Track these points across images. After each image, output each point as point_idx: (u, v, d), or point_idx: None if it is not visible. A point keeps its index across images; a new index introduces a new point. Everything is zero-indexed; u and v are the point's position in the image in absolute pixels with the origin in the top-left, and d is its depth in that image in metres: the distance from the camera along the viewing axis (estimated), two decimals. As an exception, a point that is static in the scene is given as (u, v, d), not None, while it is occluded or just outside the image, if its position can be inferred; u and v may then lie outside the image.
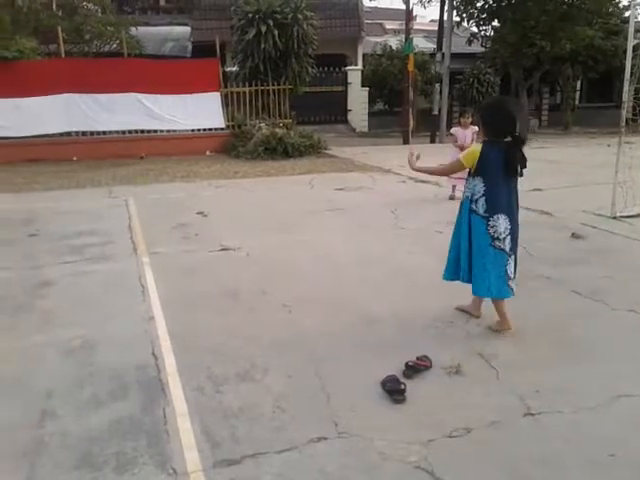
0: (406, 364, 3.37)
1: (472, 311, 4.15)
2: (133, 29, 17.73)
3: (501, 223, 3.74)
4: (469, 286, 3.94)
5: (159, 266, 5.44)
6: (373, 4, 49.31)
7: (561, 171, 11.21)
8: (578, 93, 24.09)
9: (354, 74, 20.99)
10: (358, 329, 4.01)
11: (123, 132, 14.12)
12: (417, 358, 3.44)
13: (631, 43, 6.79)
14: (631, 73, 6.82)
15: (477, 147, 3.82)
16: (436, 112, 18.97)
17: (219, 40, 14.49)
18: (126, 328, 4.06)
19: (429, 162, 4.51)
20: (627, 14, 16.89)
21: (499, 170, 3.71)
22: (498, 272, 3.78)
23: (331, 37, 19.12)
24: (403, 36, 18.81)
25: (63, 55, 14.22)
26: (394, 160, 12.46)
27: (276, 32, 14.22)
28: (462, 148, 7.34)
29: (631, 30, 6.75)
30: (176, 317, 4.22)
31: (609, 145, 12.84)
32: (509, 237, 3.78)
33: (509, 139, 3.69)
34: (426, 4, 32.74)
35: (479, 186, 3.78)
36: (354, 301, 4.51)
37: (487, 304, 4.05)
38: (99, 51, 17.60)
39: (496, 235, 3.75)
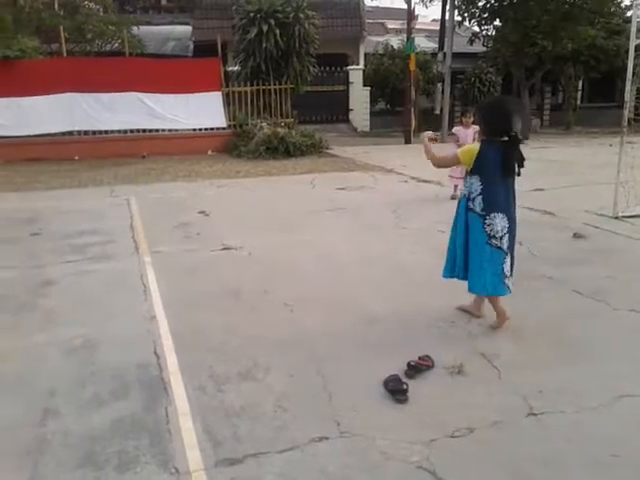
0: (408, 364, 3.37)
1: (473, 311, 4.15)
2: (135, 28, 17.75)
3: (498, 222, 3.75)
4: (470, 286, 3.95)
5: (161, 265, 5.44)
6: (375, 3, 49.48)
7: (563, 171, 11.18)
8: (580, 93, 24.02)
9: (356, 73, 20.96)
10: (360, 328, 4.01)
11: (125, 131, 14.14)
12: (419, 358, 3.44)
13: (633, 43, 6.77)
14: (633, 73, 6.82)
15: (475, 145, 3.84)
16: (438, 112, 18.95)
17: (221, 39, 14.53)
18: (128, 327, 4.07)
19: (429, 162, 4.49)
20: (629, 14, 16.90)
21: (497, 169, 3.72)
22: (494, 270, 3.79)
23: (333, 36, 19.11)
24: (405, 35, 18.82)
25: (65, 54, 14.26)
26: (396, 160, 12.47)
27: (278, 31, 14.22)
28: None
29: (633, 30, 6.74)
30: (178, 316, 4.22)
31: (611, 145, 12.81)
32: (507, 235, 3.79)
33: (506, 138, 3.69)
34: (428, 3, 33.09)
35: (476, 184, 3.79)
36: (356, 300, 4.52)
37: (488, 304, 4.05)
38: (101, 50, 17.63)
39: (493, 233, 3.76)
